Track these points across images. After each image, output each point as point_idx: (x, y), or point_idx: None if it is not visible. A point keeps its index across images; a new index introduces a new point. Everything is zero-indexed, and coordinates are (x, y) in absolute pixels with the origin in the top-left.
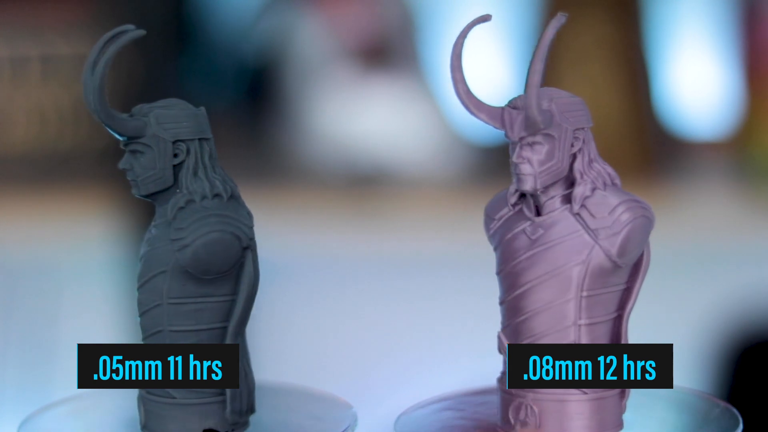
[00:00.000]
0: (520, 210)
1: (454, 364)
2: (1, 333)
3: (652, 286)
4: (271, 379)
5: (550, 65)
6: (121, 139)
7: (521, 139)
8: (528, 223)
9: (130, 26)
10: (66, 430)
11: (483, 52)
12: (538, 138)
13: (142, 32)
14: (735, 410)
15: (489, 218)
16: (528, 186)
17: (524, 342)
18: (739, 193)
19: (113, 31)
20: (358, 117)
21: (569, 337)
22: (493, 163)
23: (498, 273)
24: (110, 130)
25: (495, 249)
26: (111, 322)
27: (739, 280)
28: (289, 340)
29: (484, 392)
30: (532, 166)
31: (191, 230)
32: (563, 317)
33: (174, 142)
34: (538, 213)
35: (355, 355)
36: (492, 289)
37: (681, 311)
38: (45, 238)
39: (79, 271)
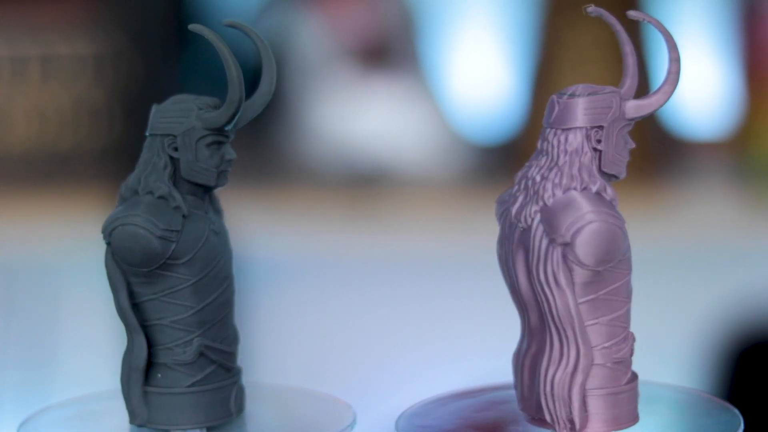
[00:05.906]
0: None
1: (454, 363)
2: (0, 333)
3: (652, 286)
4: (270, 380)
5: (550, 66)
6: (226, 129)
7: None
8: None
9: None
10: None
11: (483, 52)
12: None
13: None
14: (735, 410)
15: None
16: None
17: None
18: (739, 193)
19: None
20: (358, 117)
21: None
22: (493, 163)
23: None
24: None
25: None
26: (111, 322)
27: (738, 280)
28: (288, 341)
29: (484, 391)
30: None
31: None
32: None
33: None
34: None
35: (355, 355)
36: (491, 289)
37: (681, 311)
38: (45, 238)
39: (79, 271)
